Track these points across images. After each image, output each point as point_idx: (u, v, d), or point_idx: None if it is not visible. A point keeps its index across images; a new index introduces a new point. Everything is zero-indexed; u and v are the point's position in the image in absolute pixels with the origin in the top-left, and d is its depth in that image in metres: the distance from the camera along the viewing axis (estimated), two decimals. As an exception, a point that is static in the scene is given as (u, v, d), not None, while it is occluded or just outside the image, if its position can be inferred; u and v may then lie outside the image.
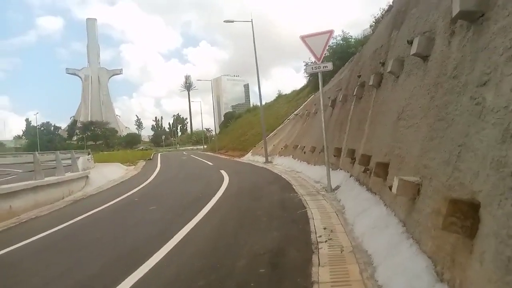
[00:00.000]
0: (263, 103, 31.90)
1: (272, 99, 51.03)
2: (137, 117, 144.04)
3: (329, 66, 7.96)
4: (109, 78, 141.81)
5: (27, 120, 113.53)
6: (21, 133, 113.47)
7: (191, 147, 78.85)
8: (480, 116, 2.31)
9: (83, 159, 15.46)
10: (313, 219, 5.41)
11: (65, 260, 4.64)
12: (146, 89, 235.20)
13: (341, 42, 22.86)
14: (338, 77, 14.98)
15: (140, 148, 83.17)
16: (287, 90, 56.47)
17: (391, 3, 10.67)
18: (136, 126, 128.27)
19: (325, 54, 8.45)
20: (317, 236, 4.53)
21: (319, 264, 3.58)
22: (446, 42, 3.28)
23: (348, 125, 8.39)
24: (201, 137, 77.84)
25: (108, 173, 16.76)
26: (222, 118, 77.35)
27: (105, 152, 55.09)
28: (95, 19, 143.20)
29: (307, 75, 29.94)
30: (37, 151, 19.51)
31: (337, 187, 7.49)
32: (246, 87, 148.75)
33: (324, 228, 4.84)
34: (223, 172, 14.64)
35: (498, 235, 1.79)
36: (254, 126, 33.84)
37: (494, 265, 1.78)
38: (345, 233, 4.57)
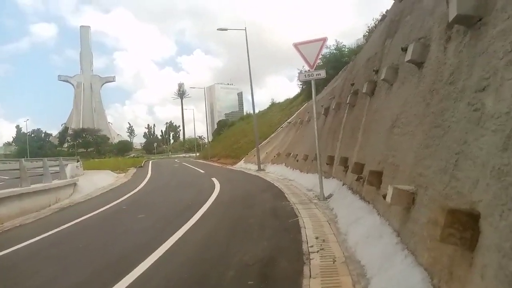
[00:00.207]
0: (257, 111, 31.95)
1: (266, 107, 51.25)
2: (129, 124, 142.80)
3: (322, 73, 7.93)
4: (102, 85, 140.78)
5: (17, 126, 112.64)
6: (11, 139, 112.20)
7: (183, 155, 78.30)
8: (479, 123, 2.22)
9: (71, 166, 15.19)
10: (305, 228, 5.30)
11: (52, 268, 4.51)
12: (139, 97, 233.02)
13: (335, 51, 23.02)
14: (332, 85, 15.00)
15: (132, 155, 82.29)
16: (280, 98, 56.63)
17: (384, 13, 10.72)
18: (128, 134, 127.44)
19: (318, 63, 8.42)
20: (309, 246, 4.41)
21: (310, 275, 3.46)
22: (442, 48, 3.21)
23: (341, 133, 8.32)
24: (193, 145, 77.50)
25: (97, 180, 16.47)
26: (216, 126, 77.23)
27: (96, 160, 54.46)
28: (89, 27, 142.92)
29: (300, 84, 30.01)
30: (27, 158, 19.17)
31: (330, 196, 7.38)
32: (240, 95, 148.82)
33: (316, 238, 4.72)
34: (214, 180, 14.48)
35: (501, 248, 1.68)
36: (247, 134, 33.81)
37: (497, 280, 1.67)
38: (337, 243, 4.45)
